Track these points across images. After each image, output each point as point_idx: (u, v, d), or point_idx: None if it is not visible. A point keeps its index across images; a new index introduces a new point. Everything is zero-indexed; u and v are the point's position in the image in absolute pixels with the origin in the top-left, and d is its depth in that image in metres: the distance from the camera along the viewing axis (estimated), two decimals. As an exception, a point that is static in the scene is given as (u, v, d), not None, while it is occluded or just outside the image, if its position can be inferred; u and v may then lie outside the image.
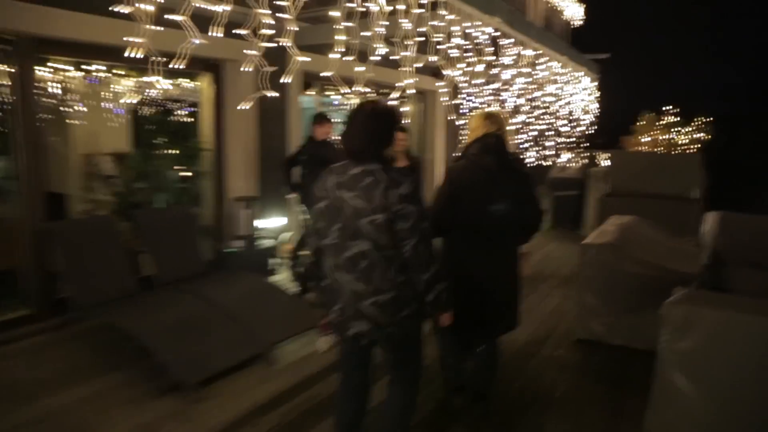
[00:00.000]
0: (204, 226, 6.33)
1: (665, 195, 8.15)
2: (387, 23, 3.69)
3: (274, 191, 6.71)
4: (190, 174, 6.20)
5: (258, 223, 5.67)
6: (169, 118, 6.23)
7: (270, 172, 6.64)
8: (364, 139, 2.33)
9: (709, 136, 10.04)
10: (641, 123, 9.64)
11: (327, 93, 8.17)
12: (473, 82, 5.04)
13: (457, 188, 2.98)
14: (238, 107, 5.30)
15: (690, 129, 9.83)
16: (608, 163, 9.19)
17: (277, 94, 2.72)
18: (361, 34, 3.72)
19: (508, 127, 3.96)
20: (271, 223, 6.61)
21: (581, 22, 16.87)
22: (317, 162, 5.11)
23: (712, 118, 11.31)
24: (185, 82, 6.18)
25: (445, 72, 4.52)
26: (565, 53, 7.66)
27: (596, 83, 9.18)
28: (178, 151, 5.92)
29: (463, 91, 6.29)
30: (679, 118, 10.14)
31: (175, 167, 5.99)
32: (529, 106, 7.26)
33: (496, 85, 7.02)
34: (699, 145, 9.98)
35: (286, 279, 6.09)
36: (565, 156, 9.68)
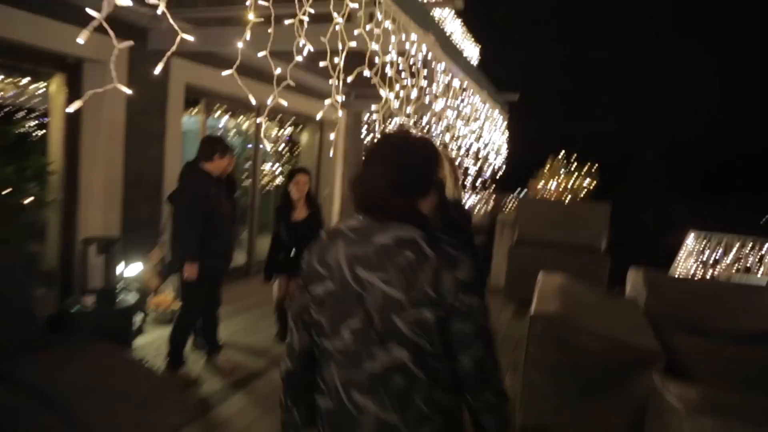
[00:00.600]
0: (43, 274, 4.86)
1: (574, 245, 7.88)
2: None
3: (143, 229, 5.39)
4: (26, 202, 4.73)
5: (120, 271, 4.35)
6: (4, 127, 4.75)
7: (138, 204, 5.32)
8: (395, 186, 1.50)
9: (594, 182, 10.16)
10: (547, 167, 9.50)
11: (215, 114, 6.99)
12: (406, 110, 4.33)
13: None
14: (67, 109, 4.05)
15: (581, 174, 9.91)
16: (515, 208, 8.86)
17: (129, 91, 1.52)
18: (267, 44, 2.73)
19: (451, 170, 3.17)
20: (137, 269, 5.26)
21: (476, 63, 17.10)
22: (211, 204, 4.03)
23: (597, 165, 11.60)
24: (32, 84, 4.76)
25: (382, 92, 3.63)
26: (485, 88, 7.18)
27: (505, 123, 8.87)
28: (11, 171, 4.46)
29: (389, 117, 5.51)
30: (576, 163, 10.28)
31: (5, 192, 4.52)
32: (453, 144, 6.65)
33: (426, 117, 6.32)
34: (587, 191, 10.07)
35: (155, 345, 4.78)
36: (472, 199, 9.21)
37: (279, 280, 5.13)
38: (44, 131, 4.88)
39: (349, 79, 3.27)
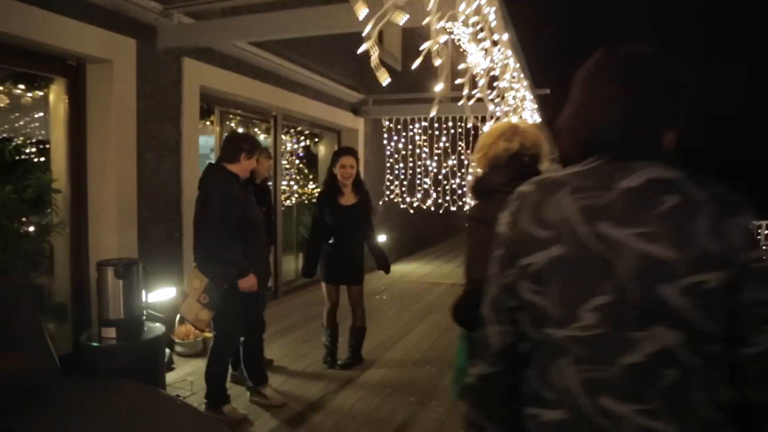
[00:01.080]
0: (54, 306, 4.24)
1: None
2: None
3: (162, 251, 4.77)
4: (31, 227, 4.13)
5: (143, 298, 3.72)
6: None
7: (156, 223, 4.70)
8: (640, 112, 1.13)
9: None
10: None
11: (230, 125, 6.42)
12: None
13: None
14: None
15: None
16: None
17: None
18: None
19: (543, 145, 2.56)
20: (159, 295, 4.63)
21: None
22: (243, 209, 3.49)
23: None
24: (28, 91, 4.18)
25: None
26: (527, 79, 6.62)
27: (539, 118, 8.30)
28: (10, 191, 3.86)
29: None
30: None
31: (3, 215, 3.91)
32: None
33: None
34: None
35: (187, 381, 4.13)
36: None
37: (327, 288, 4.52)
38: (44, 146, 4.29)
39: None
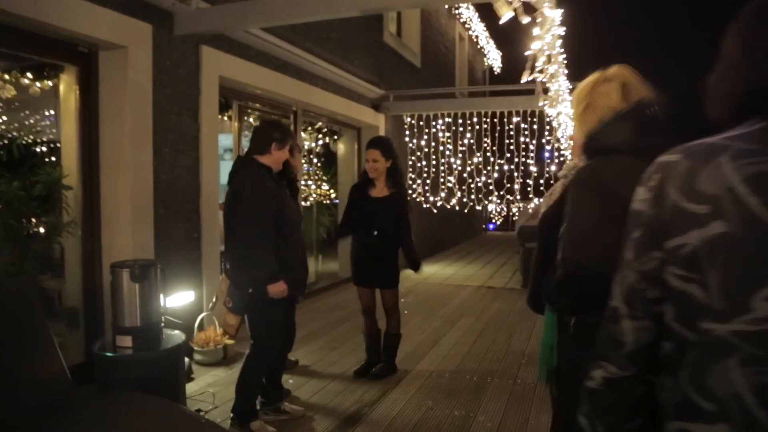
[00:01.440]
0: (65, 312, 3.94)
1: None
2: None
3: (181, 252, 4.45)
4: (40, 227, 3.83)
5: (161, 303, 3.40)
6: (5, 137, 3.88)
7: (174, 222, 4.39)
8: None
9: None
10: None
11: (250, 119, 6.10)
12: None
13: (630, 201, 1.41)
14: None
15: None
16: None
17: None
18: None
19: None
20: (178, 300, 4.31)
21: (500, 69, 16.28)
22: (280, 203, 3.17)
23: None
24: (37, 81, 3.89)
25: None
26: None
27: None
28: (17, 188, 3.56)
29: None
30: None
31: (16, 214, 3.61)
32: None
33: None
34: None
35: (208, 393, 3.81)
36: (535, 200, 8.22)
37: (358, 291, 4.19)
38: (54, 139, 3.99)
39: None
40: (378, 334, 4.25)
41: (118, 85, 3.88)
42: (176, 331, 3.52)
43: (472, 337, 5.35)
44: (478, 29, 13.80)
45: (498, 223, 14.96)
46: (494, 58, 15.68)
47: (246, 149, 3.28)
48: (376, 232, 4.00)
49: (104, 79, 3.91)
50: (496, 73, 16.29)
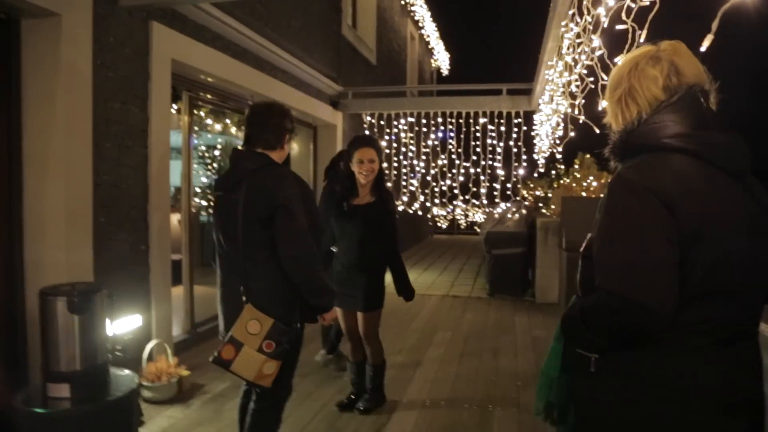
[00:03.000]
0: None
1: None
2: None
3: (125, 266, 3.71)
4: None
5: (108, 338, 2.68)
6: None
7: (117, 231, 3.64)
8: None
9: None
10: (577, 165, 8.34)
11: (200, 113, 5.36)
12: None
13: (690, 217, 1.25)
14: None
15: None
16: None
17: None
18: None
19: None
20: (122, 326, 3.57)
21: (447, 71, 16.05)
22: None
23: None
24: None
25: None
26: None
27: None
28: None
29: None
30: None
31: None
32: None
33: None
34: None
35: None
36: (502, 205, 7.86)
37: (339, 313, 3.58)
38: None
39: None
40: (365, 362, 3.67)
41: (48, 63, 3.12)
42: (125, 371, 2.82)
43: (455, 355, 4.86)
44: (429, 29, 13.47)
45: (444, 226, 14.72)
46: (443, 59, 15.41)
47: (243, 142, 2.51)
48: (361, 246, 3.41)
49: (29, 55, 3.13)
50: (443, 74, 16.05)
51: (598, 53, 2.33)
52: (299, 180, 2.41)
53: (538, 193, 10.69)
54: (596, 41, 2.35)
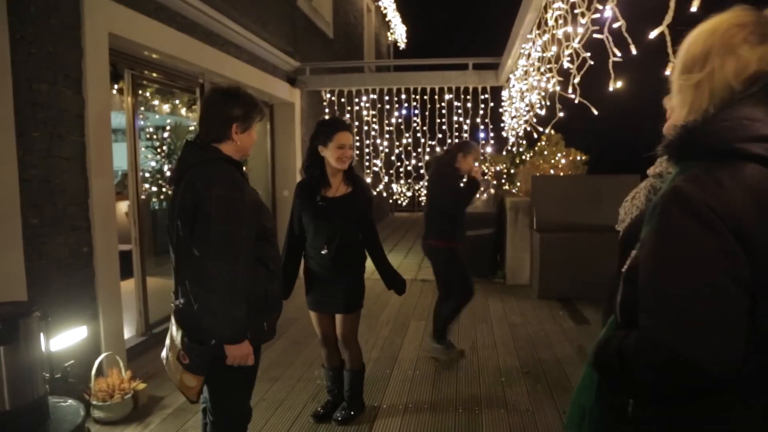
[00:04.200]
0: None
1: (603, 226, 6.54)
2: None
3: (64, 273, 3.25)
4: None
5: (45, 366, 2.25)
6: None
7: (53, 234, 3.17)
8: None
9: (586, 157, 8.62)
10: (542, 143, 8.13)
11: (146, 94, 4.84)
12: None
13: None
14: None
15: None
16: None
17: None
18: None
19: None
20: (64, 341, 3.12)
21: (404, 45, 15.62)
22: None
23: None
24: None
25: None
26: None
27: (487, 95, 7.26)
28: None
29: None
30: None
31: None
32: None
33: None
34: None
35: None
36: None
37: (313, 317, 3.25)
38: None
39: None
40: (342, 367, 3.36)
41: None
42: (69, 401, 2.42)
43: (433, 348, 4.61)
44: (386, 0, 12.98)
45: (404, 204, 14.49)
46: (400, 33, 14.96)
47: (197, 134, 2.15)
48: (341, 242, 3.07)
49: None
50: (400, 48, 15.61)
51: (615, 24, 2.02)
52: (239, 183, 2.02)
53: (498, 169, 10.50)
54: (609, 11, 2.04)
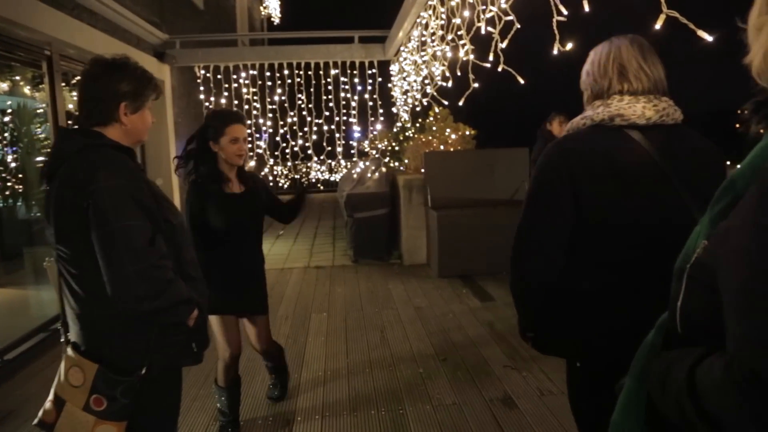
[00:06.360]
0: None
1: (496, 200, 6.64)
2: None
3: None
4: None
5: None
6: None
7: None
8: None
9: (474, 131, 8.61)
10: (431, 118, 7.98)
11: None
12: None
13: None
14: None
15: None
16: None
17: None
18: None
19: None
20: None
21: (278, 20, 14.88)
22: None
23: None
24: None
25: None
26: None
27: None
28: None
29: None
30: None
31: None
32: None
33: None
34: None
35: None
36: (360, 164, 7.30)
37: (221, 325, 2.80)
38: None
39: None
40: (239, 384, 2.98)
41: None
42: None
43: (340, 343, 4.30)
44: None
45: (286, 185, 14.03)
46: (274, 6, 14.18)
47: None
48: (253, 241, 2.78)
49: None
50: (275, 23, 14.84)
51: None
52: (133, 171, 1.60)
53: (380, 146, 10.32)
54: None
